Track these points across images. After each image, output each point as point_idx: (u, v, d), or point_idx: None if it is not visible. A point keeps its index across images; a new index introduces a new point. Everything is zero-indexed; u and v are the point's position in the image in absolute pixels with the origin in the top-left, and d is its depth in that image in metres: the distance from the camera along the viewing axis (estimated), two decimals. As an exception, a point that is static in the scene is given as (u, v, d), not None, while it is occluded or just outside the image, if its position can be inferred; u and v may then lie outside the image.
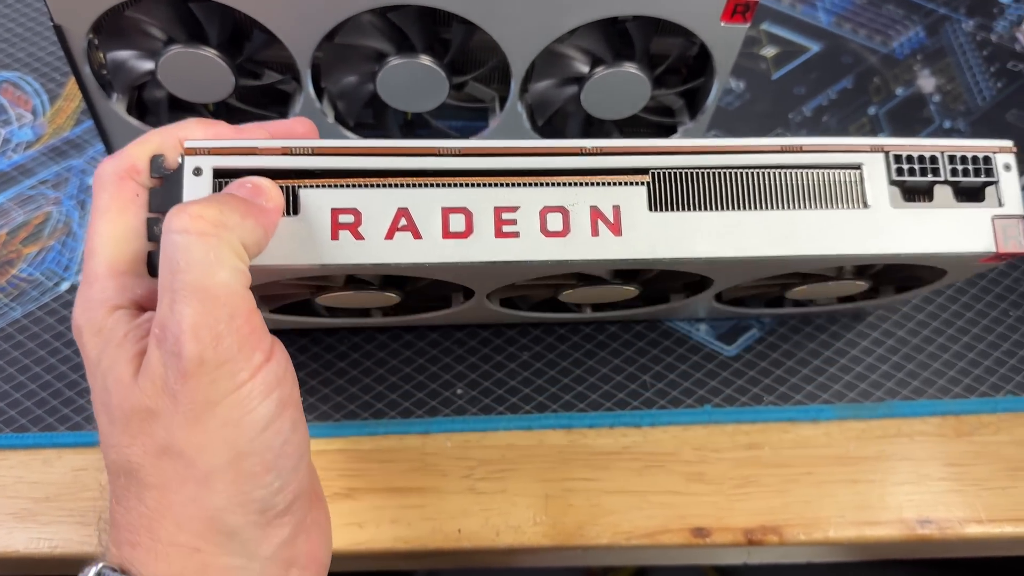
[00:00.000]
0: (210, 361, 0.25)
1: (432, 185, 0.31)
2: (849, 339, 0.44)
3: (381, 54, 0.42)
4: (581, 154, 0.32)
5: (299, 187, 0.30)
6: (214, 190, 0.30)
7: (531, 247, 0.31)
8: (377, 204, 0.31)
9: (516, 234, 0.31)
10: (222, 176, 0.30)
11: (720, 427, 0.41)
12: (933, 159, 0.33)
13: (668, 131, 0.47)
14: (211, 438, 0.25)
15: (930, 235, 0.33)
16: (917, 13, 0.58)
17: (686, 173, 0.32)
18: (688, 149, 0.32)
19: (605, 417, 0.41)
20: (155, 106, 0.44)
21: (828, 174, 0.33)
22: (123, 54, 0.41)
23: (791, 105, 0.53)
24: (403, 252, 0.31)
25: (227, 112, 0.45)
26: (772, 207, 0.32)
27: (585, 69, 0.43)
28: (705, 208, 0.32)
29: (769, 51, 0.55)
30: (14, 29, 0.55)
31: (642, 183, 0.32)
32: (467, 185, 0.31)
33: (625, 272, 0.37)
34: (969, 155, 0.34)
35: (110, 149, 0.46)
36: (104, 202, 0.29)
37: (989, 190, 0.34)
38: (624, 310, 0.42)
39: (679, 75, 0.46)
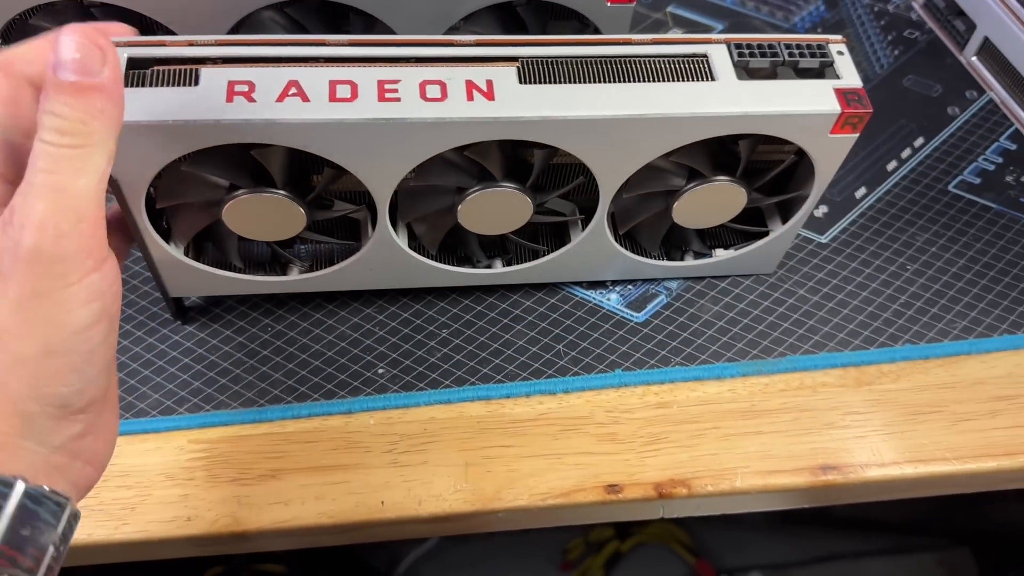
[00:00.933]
0: (46, 255, 0.26)
1: (321, 66, 0.35)
2: (752, 300, 0.46)
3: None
4: (455, 45, 0.37)
5: (199, 69, 0.34)
6: (128, 80, 0.34)
7: (411, 108, 0.35)
8: (270, 77, 0.35)
9: (398, 99, 0.35)
10: (138, 65, 0.34)
11: (631, 389, 0.43)
12: (772, 46, 0.38)
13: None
14: (28, 328, 0.27)
15: (776, 98, 0.37)
16: (817, -12, 0.60)
17: (552, 60, 0.37)
18: (555, 42, 0.37)
19: (521, 387, 0.43)
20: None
21: (679, 60, 0.38)
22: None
23: (697, 82, 0.54)
24: (291, 111, 0.34)
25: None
26: (633, 83, 0.37)
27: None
28: (571, 82, 0.37)
29: (675, 34, 0.57)
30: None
31: (512, 66, 0.36)
32: (353, 65, 0.36)
33: (514, 171, 0.39)
34: (804, 43, 0.39)
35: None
36: None
37: (828, 71, 0.38)
38: (530, 262, 0.44)
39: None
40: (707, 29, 0.57)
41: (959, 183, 0.50)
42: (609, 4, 0.42)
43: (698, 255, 0.46)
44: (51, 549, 0.27)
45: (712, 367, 0.44)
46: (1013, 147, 0.52)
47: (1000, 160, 0.51)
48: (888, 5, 0.59)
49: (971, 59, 0.55)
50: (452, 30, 0.42)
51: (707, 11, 0.58)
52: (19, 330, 0.27)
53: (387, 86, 0.35)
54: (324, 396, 0.42)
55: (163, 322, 0.44)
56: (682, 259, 0.46)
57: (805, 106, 0.37)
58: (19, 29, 0.41)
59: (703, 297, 0.46)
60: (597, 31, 0.43)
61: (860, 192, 0.50)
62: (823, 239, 0.48)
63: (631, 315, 0.45)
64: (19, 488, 0.26)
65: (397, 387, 0.43)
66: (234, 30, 0.41)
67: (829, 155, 0.40)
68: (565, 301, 0.46)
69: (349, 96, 0.35)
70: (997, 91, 0.54)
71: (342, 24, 0.43)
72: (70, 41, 0.27)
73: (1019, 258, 0.47)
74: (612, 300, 0.46)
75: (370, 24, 0.42)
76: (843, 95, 0.38)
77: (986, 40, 0.54)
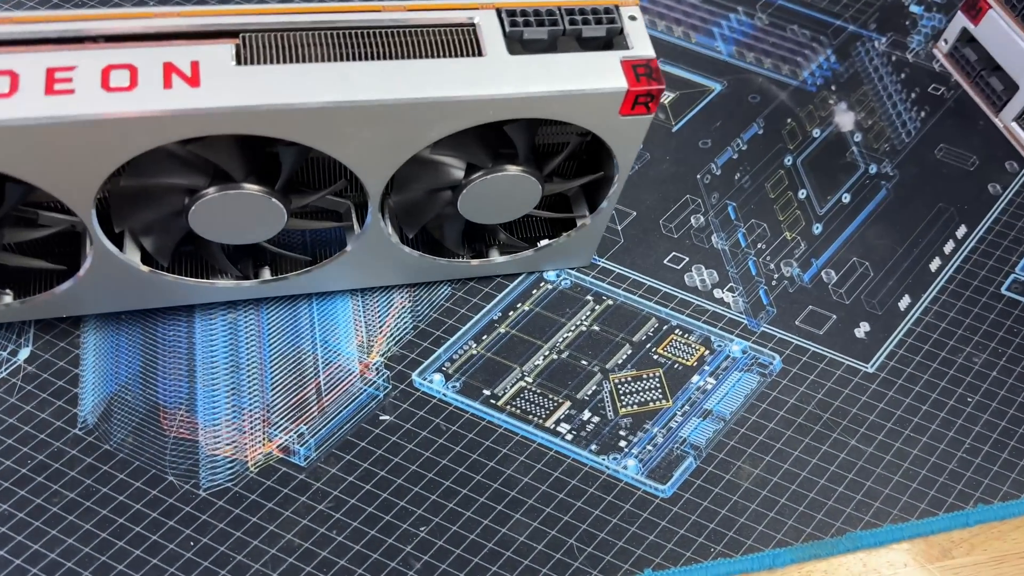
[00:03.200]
0: None
1: None
2: (797, 458, 0.38)
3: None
4: (156, 17, 0.29)
5: None
6: None
7: (88, 101, 0.27)
8: None
9: (72, 89, 0.28)
10: None
11: (664, 596, 0.34)
12: (550, 12, 0.32)
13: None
14: None
15: (555, 77, 0.31)
16: (824, 32, 0.51)
17: (282, 34, 0.30)
18: (285, 11, 0.30)
19: (528, 601, 0.34)
20: None
21: (442, 31, 0.31)
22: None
23: (697, 163, 0.45)
24: None
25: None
26: (383, 59, 0.30)
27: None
28: (304, 62, 0.29)
29: (666, 96, 0.48)
30: None
31: (230, 43, 0.29)
32: (17, 49, 0.28)
33: (261, 170, 0.32)
34: (589, 7, 0.32)
35: None
36: None
37: (618, 40, 0.33)
38: (307, 269, 0.37)
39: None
40: (703, 90, 0.48)
41: (1012, 283, 0.43)
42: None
43: (506, 249, 0.40)
44: None
45: (761, 556, 0.35)
46: (1061, 229, 0.45)
47: (1050, 247, 0.44)
48: (907, 54, 0.51)
49: (1010, 123, 0.48)
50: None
51: (701, 66, 0.49)
52: None
53: (57, 75, 0.28)
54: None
55: None
56: (487, 255, 0.40)
57: (586, 83, 0.31)
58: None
59: (739, 457, 0.37)
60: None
61: (904, 302, 0.42)
62: (869, 368, 0.40)
63: (655, 488, 0.36)
64: None
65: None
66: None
67: (623, 137, 0.34)
68: (572, 473, 0.36)
69: (8, 90, 0.27)
70: (1036, 158, 0.47)
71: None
72: None
73: (1090, 377, 0.40)
74: (630, 469, 0.37)
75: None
76: (632, 68, 0.32)
77: (1028, 103, 0.46)
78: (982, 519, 0.37)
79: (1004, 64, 0.47)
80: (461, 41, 0.31)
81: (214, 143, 0.30)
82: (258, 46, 0.29)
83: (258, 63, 0.29)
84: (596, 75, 0.31)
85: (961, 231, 0.45)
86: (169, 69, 0.28)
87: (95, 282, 0.34)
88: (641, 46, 0.32)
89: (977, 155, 0.47)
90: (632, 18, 0.33)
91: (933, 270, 0.43)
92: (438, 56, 0.31)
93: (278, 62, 0.29)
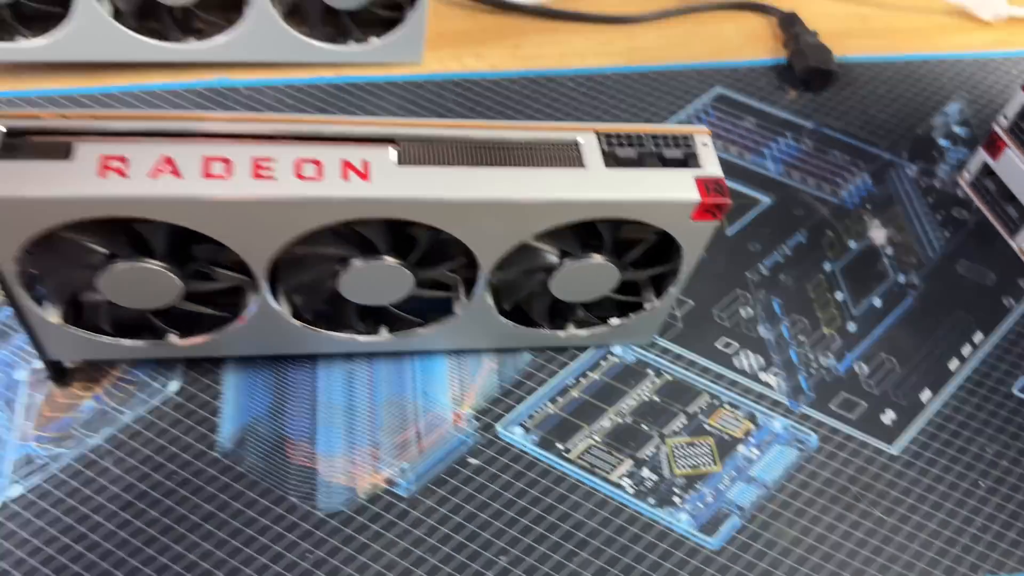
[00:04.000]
0: None
1: (198, 142, 0.35)
2: (829, 523, 0.43)
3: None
4: (334, 124, 0.37)
5: (72, 142, 0.34)
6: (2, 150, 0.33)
7: (285, 186, 0.35)
8: (144, 153, 0.34)
9: (272, 177, 0.35)
10: (14, 137, 0.34)
11: (709, 633, 0.40)
12: (639, 136, 0.40)
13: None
14: None
15: (640, 186, 0.38)
16: (862, 159, 0.59)
17: (432, 143, 0.38)
18: (432, 125, 0.38)
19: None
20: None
21: (553, 147, 0.39)
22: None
23: (747, 263, 0.52)
24: (164, 187, 0.34)
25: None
26: (508, 166, 0.38)
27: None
28: (448, 165, 0.37)
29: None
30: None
31: (390, 147, 0.37)
32: (229, 142, 0.36)
33: (398, 244, 0.39)
34: (671, 135, 0.40)
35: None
36: None
37: (692, 160, 0.40)
38: (419, 328, 0.44)
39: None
40: (754, 202, 0.55)
41: (1023, 387, 0.49)
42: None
43: (582, 324, 0.47)
44: None
45: (794, 606, 0.41)
46: (1068, 341, 0.51)
47: (1057, 356, 0.50)
48: (934, 181, 0.58)
49: (1023, 246, 0.54)
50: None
51: (753, 182, 0.57)
52: None
53: (262, 164, 0.35)
54: None
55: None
56: (565, 328, 0.47)
57: (666, 194, 0.39)
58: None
59: (778, 519, 0.43)
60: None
61: (925, 395, 0.48)
62: (893, 450, 0.46)
63: (704, 540, 0.42)
64: None
65: (454, 626, 0.39)
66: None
67: (693, 238, 0.41)
68: (631, 522, 0.42)
69: (223, 173, 0.35)
70: (1046, 277, 0.53)
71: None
72: None
73: (1090, 473, 0.46)
74: (683, 522, 0.42)
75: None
76: (703, 184, 0.39)
77: (1039, 230, 0.53)
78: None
79: (1018, 195, 0.54)
80: (567, 156, 0.39)
81: (370, 223, 0.37)
82: (414, 151, 0.37)
83: (414, 164, 0.37)
84: (675, 187, 0.39)
85: (978, 337, 0.51)
86: (346, 165, 0.36)
87: (250, 330, 0.42)
88: (711, 167, 0.40)
89: (994, 272, 0.54)
90: (704, 144, 0.40)
91: (952, 369, 0.49)
92: (550, 166, 0.38)
93: (429, 164, 0.37)
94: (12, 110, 0.35)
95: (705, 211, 0.39)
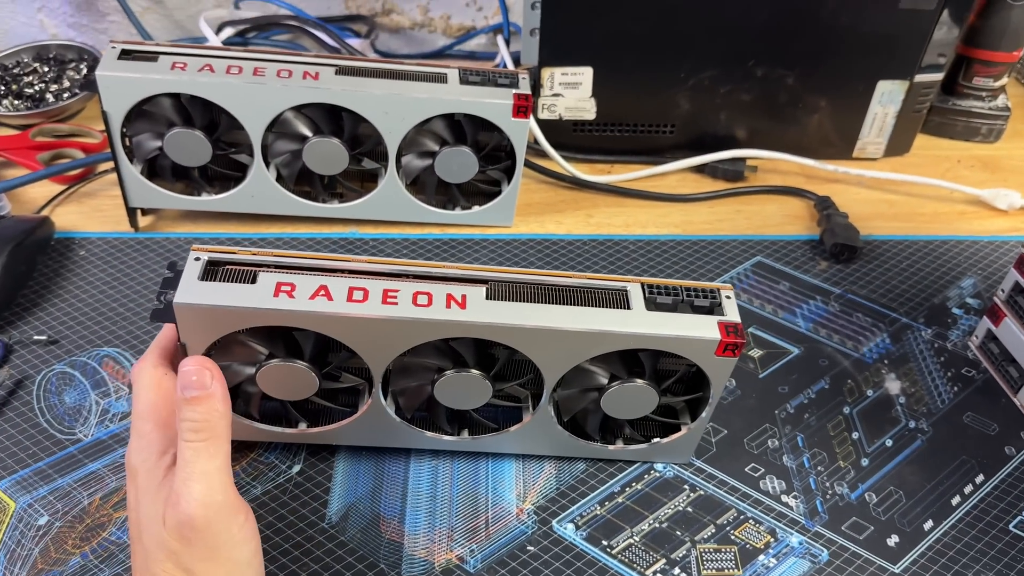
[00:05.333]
0: (212, 520, 0.41)
1: (345, 276, 0.48)
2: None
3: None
4: (442, 268, 0.50)
5: (257, 271, 0.48)
6: (204, 274, 0.47)
7: (405, 309, 0.47)
8: (307, 281, 0.48)
9: (396, 302, 0.47)
10: (213, 265, 0.48)
11: None
12: (676, 288, 0.51)
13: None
14: (217, 567, 0.41)
15: (672, 325, 0.49)
16: (883, 321, 0.68)
17: (513, 284, 0.50)
18: (515, 272, 0.50)
19: None
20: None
21: (606, 292, 0.50)
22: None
23: (776, 402, 0.62)
24: (319, 306, 0.47)
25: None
26: (571, 305, 0.49)
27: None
28: (524, 301, 0.49)
29: (756, 352, 0.65)
30: (116, 308, 0.65)
31: (483, 287, 0.49)
32: (367, 277, 0.49)
33: (482, 361, 0.51)
34: (700, 289, 0.51)
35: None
36: (144, 381, 0.46)
37: (717, 309, 0.50)
38: (494, 433, 0.55)
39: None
40: (785, 352, 0.65)
41: (1020, 523, 0.55)
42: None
43: (629, 441, 0.56)
44: None
45: None
46: (1066, 489, 0.57)
47: (1055, 502, 0.56)
48: (947, 343, 0.67)
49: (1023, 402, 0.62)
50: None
51: (785, 335, 0.66)
52: (217, 568, 0.41)
53: (390, 294, 0.48)
54: None
55: None
56: (614, 443, 0.56)
57: (693, 332, 0.49)
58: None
59: (788, 618, 0.50)
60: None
61: (927, 524, 0.55)
62: (896, 569, 0.52)
63: (722, 630, 0.49)
64: None
65: None
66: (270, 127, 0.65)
67: (718, 370, 0.51)
68: (661, 609, 0.50)
69: (362, 299, 0.47)
70: (1048, 433, 0.60)
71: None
72: (188, 370, 0.43)
73: (1080, 605, 0.51)
74: (705, 613, 0.50)
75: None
76: (724, 327, 0.49)
77: (1037, 389, 0.61)
78: None
79: (1017, 357, 0.62)
80: (617, 299, 0.50)
81: (463, 341, 0.49)
82: (499, 290, 0.49)
83: (499, 300, 0.48)
84: (701, 328, 0.49)
85: (980, 478, 0.58)
86: (449, 297, 0.48)
87: (362, 423, 0.53)
88: (732, 314, 0.50)
89: (998, 424, 0.61)
90: (728, 297, 0.51)
91: (953, 504, 0.56)
92: (603, 307, 0.49)
93: (510, 300, 0.49)
94: (214, 246, 0.49)
95: (725, 348, 0.49)
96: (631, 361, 0.52)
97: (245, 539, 0.42)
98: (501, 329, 0.48)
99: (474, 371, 0.51)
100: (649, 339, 0.49)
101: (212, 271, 0.47)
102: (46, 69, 0.86)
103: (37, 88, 0.84)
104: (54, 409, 0.58)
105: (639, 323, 0.49)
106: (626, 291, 0.50)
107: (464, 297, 0.48)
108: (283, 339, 0.49)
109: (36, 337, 0.63)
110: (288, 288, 0.47)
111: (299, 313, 0.46)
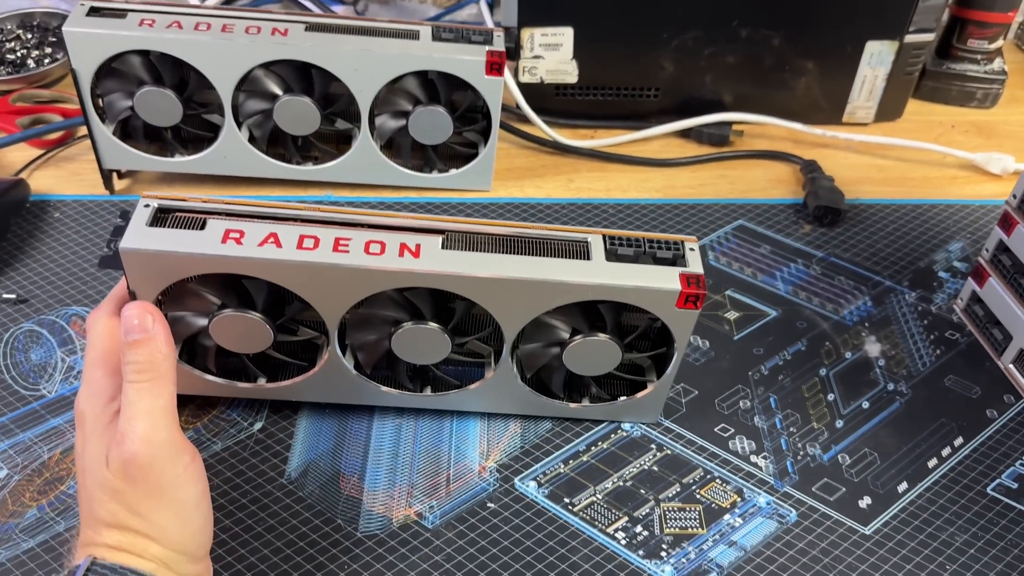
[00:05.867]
0: (156, 458, 0.41)
1: (296, 224, 0.47)
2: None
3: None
4: (398, 218, 0.49)
5: (206, 218, 0.47)
6: (153, 220, 0.46)
7: (356, 257, 0.46)
8: (257, 229, 0.47)
9: (348, 251, 0.46)
10: (163, 212, 0.47)
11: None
12: (638, 240, 0.49)
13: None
14: (165, 505, 0.41)
15: (633, 276, 0.48)
16: (866, 284, 0.66)
17: (469, 234, 0.49)
18: (473, 222, 0.49)
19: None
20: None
21: (567, 243, 0.49)
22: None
23: (750, 364, 0.60)
24: (268, 253, 0.46)
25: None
26: (530, 255, 0.48)
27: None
28: (482, 251, 0.48)
29: (732, 314, 0.63)
30: (87, 269, 0.65)
31: (438, 236, 0.48)
32: (319, 225, 0.48)
33: (440, 314, 0.50)
34: (663, 240, 0.50)
35: None
36: (97, 330, 0.45)
37: (680, 261, 0.49)
38: (456, 390, 0.54)
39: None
40: (762, 314, 0.64)
41: (997, 486, 0.54)
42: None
43: (594, 399, 0.55)
44: None
45: (758, 651, 0.46)
46: (1049, 453, 0.55)
47: (1037, 465, 0.55)
48: (931, 306, 0.65)
49: (1008, 365, 0.60)
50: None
51: (763, 297, 0.65)
52: (162, 509, 0.41)
53: (341, 242, 0.47)
54: None
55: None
56: (579, 401, 0.55)
57: (652, 283, 0.48)
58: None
59: (752, 579, 0.49)
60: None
61: (902, 487, 0.53)
62: (866, 530, 0.51)
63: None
64: None
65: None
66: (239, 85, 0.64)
67: (680, 324, 0.50)
68: (621, 568, 0.49)
69: (312, 246, 0.46)
70: (1033, 396, 0.58)
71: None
72: (130, 314, 0.43)
73: (1056, 568, 0.50)
74: (667, 573, 0.49)
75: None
76: (685, 278, 0.48)
77: (1021, 352, 0.59)
78: (947, 660, 0.46)
79: (1001, 319, 0.60)
80: (577, 250, 0.49)
81: (419, 293, 0.48)
82: (455, 240, 0.48)
83: (455, 250, 0.47)
84: (661, 279, 0.48)
85: (958, 441, 0.56)
86: (403, 246, 0.47)
87: (321, 379, 0.52)
88: (694, 266, 0.49)
89: (980, 387, 0.59)
90: (692, 249, 0.49)
91: (930, 467, 0.55)
92: (563, 258, 0.48)
93: (467, 250, 0.47)
94: (166, 193, 0.48)
95: (686, 300, 0.48)
96: (593, 315, 0.51)
97: (191, 480, 0.42)
98: (456, 279, 0.47)
99: (432, 324, 0.50)
100: (607, 290, 0.48)
101: (161, 218, 0.47)
102: (29, 36, 0.86)
103: (19, 54, 0.84)
104: (20, 366, 0.58)
105: (598, 274, 0.48)
106: (587, 242, 0.49)
107: (418, 246, 0.47)
108: (236, 290, 0.49)
109: (5, 296, 0.63)
110: (237, 235, 0.46)
111: (247, 260, 0.46)
